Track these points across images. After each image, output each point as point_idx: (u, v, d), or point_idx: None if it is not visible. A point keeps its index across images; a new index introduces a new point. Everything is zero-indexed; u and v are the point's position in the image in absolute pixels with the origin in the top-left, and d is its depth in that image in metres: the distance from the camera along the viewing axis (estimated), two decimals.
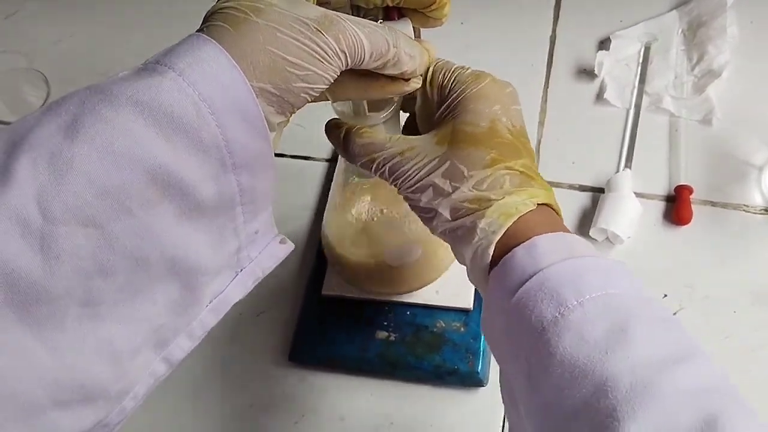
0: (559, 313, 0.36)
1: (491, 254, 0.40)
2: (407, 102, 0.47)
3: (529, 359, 0.36)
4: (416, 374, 0.58)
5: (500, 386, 0.41)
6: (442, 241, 0.43)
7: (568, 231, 0.41)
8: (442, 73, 0.43)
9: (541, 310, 0.36)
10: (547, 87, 0.74)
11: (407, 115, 0.49)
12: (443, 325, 0.59)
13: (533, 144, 0.70)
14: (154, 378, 0.38)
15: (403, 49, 0.40)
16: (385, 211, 0.57)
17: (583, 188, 0.67)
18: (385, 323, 0.60)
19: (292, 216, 0.69)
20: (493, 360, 0.59)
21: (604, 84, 0.73)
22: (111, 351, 0.35)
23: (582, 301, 0.36)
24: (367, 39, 0.37)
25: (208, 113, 0.33)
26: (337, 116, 0.46)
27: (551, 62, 0.76)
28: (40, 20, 0.90)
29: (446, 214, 0.41)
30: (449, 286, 0.59)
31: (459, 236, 0.41)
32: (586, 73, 0.74)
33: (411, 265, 0.57)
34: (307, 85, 0.36)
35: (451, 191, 0.41)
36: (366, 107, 0.45)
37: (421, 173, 0.41)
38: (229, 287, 0.40)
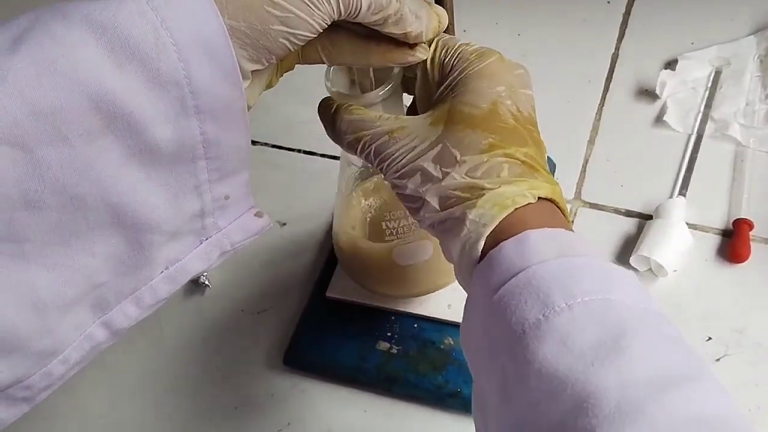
0: (543, 315, 0.30)
1: (480, 249, 0.35)
2: (409, 82, 0.42)
3: (504, 367, 0.31)
4: (415, 393, 0.53)
5: (473, 405, 0.35)
6: None
7: (570, 230, 0.35)
8: (445, 49, 0.39)
9: (523, 311, 0.31)
10: (603, 105, 0.68)
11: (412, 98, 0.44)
12: (451, 342, 0.53)
13: (579, 162, 0.64)
14: (91, 344, 0.34)
15: (408, 5, 0.36)
16: (391, 211, 0.52)
17: (629, 213, 0.61)
18: (389, 334, 0.54)
19: (312, 214, 0.65)
20: None
21: (665, 106, 0.66)
22: (34, 299, 0.31)
23: (571, 304, 0.30)
24: None
25: (170, 43, 0.30)
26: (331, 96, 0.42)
27: (610, 79, 0.70)
28: None
29: (434, 204, 0.36)
30: (463, 301, 0.54)
31: (447, 229, 0.36)
32: (648, 93, 0.68)
33: (421, 266, 0.52)
34: (286, 29, 0.32)
35: (441, 178, 0.36)
36: (361, 82, 0.41)
37: (410, 156, 0.37)
38: (190, 256, 0.36)
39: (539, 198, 0.35)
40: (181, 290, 0.62)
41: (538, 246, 0.33)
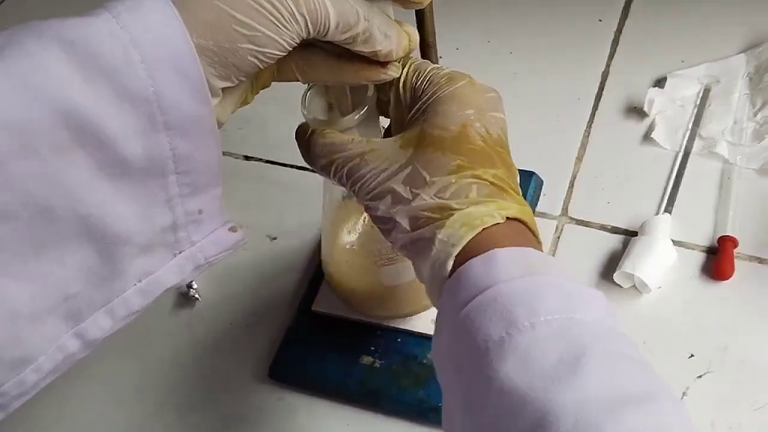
0: (506, 333, 0.31)
1: (449, 269, 0.35)
2: (384, 106, 0.43)
3: (468, 384, 0.32)
4: (397, 407, 0.53)
5: (443, 419, 0.35)
6: None
7: (540, 250, 0.36)
8: (416, 74, 0.40)
9: (488, 328, 0.31)
10: (592, 122, 0.69)
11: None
12: None
13: (566, 178, 0.65)
14: (64, 354, 0.35)
15: (377, 25, 0.36)
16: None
17: (615, 230, 0.61)
18: (373, 348, 0.55)
19: (302, 229, 0.66)
20: None
21: (653, 123, 0.67)
22: (5, 309, 0.32)
23: (534, 323, 0.31)
24: (333, 6, 0.34)
25: (139, 61, 0.31)
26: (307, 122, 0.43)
27: (600, 98, 0.70)
28: None
29: (405, 224, 0.37)
30: None
31: (418, 249, 0.37)
32: (637, 111, 0.68)
33: (407, 286, 0.53)
34: (255, 47, 0.33)
35: (411, 199, 0.37)
36: (339, 107, 0.42)
37: (380, 178, 0.38)
38: (163, 269, 0.37)
39: (508, 218, 0.36)
40: (171, 303, 0.62)
41: (505, 264, 0.33)
